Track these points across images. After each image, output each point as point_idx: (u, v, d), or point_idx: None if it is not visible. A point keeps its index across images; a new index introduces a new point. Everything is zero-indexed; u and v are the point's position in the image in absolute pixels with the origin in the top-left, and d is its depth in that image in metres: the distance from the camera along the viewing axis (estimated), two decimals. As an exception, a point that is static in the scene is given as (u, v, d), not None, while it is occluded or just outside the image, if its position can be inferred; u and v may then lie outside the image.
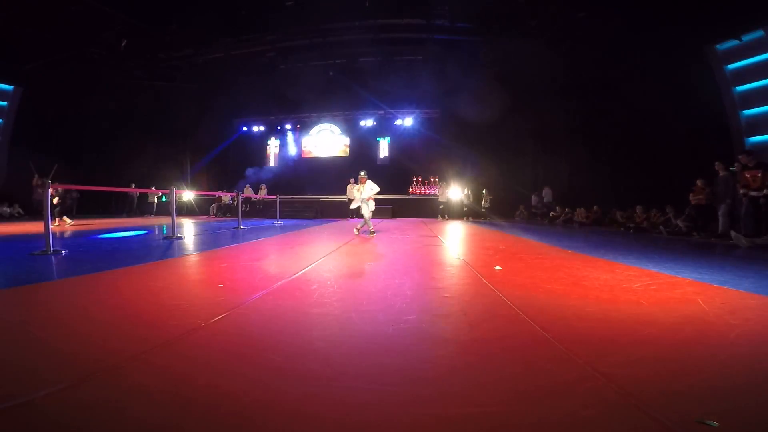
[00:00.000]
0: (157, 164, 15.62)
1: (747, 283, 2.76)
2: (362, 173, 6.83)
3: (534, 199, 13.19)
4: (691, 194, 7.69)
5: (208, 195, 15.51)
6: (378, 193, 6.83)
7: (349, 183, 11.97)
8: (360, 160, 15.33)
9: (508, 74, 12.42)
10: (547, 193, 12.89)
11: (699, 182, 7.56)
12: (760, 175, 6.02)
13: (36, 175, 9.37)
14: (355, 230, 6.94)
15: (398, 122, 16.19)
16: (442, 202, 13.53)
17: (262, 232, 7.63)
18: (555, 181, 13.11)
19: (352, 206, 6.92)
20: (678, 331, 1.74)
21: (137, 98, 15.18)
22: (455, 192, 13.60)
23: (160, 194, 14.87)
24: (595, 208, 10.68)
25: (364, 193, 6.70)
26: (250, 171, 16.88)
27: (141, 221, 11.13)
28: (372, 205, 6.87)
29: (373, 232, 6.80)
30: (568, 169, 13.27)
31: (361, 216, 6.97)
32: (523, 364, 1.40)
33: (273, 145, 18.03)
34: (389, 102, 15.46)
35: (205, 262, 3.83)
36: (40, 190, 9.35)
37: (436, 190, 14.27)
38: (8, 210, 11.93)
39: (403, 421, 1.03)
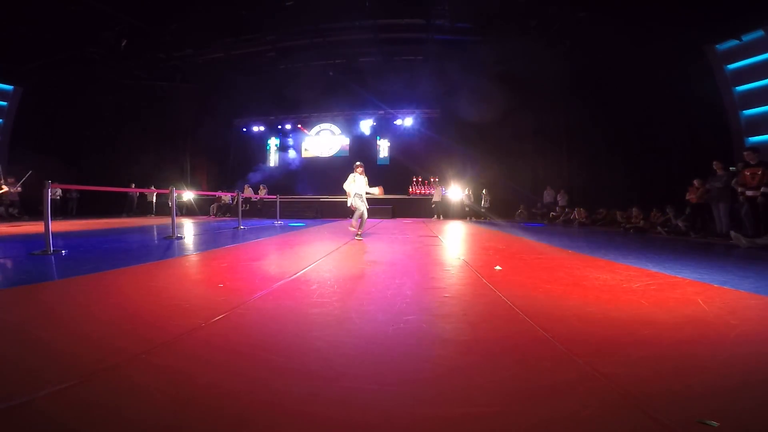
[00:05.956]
0: (157, 164, 15.60)
1: (747, 283, 2.75)
2: (358, 162, 6.28)
3: (554, 198, 12.66)
4: (687, 193, 7.75)
5: (208, 195, 15.50)
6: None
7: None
8: (360, 161, 15.20)
9: (508, 74, 12.40)
10: (550, 194, 12.82)
11: (696, 182, 7.58)
12: (760, 172, 6.00)
13: (1, 178, 9.70)
14: (356, 234, 6.05)
15: (398, 122, 16.16)
16: (435, 202, 13.56)
17: (262, 232, 7.62)
18: (555, 181, 13.11)
19: (354, 203, 5.96)
20: (678, 331, 1.74)
21: (137, 98, 15.17)
22: (455, 192, 13.59)
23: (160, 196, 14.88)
24: (596, 208, 10.68)
25: (357, 185, 5.97)
26: (250, 171, 16.86)
27: (140, 221, 11.12)
28: (358, 202, 5.99)
29: (360, 235, 6.03)
30: (568, 169, 13.27)
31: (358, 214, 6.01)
32: (523, 364, 1.40)
33: (273, 145, 18.03)
34: (389, 102, 15.44)
35: (205, 262, 3.82)
36: (12, 190, 10.22)
37: (432, 191, 14.28)
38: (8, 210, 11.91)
39: (404, 421, 1.03)
